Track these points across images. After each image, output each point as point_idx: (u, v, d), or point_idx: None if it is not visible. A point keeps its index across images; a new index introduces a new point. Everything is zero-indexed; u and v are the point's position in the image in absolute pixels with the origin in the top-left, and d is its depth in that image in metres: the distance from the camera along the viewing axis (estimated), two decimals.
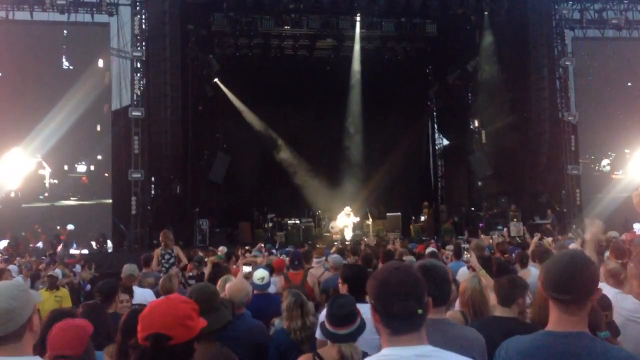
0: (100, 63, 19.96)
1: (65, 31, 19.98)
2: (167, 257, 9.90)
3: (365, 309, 4.42)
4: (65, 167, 19.74)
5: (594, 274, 2.31)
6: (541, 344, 2.30)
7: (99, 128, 19.95)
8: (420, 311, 2.00)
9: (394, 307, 1.99)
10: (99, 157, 19.98)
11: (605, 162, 22.00)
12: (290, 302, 4.59)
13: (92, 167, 19.98)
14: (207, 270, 8.00)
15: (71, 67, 20.14)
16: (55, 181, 19.39)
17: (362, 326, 3.54)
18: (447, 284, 3.05)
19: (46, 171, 19.27)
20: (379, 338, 4.28)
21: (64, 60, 20.20)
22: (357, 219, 21.65)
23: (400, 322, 2.01)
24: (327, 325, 3.48)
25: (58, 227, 19.00)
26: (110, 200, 19.32)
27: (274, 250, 14.37)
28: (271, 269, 7.92)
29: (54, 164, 19.37)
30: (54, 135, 18.42)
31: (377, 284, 2.09)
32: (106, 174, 20.06)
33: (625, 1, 22.04)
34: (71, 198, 19.43)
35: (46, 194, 19.33)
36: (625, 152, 21.76)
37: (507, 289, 3.89)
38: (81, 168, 19.84)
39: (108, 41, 19.72)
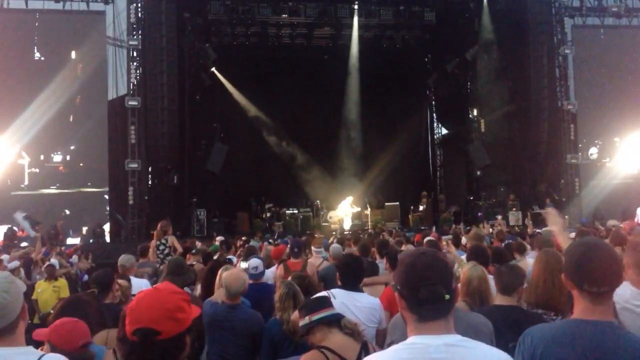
0: (73, 54, 19.88)
1: (37, 23, 19.84)
2: (161, 247, 9.87)
3: (359, 298, 4.41)
4: (42, 157, 19.90)
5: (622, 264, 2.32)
6: (570, 332, 2.28)
7: (71, 119, 19.99)
8: (447, 297, 1.93)
9: (420, 292, 1.92)
10: (72, 147, 20.11)
11: (592, 150, 22.03)
12: (282, 293, 4.55)
13: (68, 157, 20.13)
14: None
15: (42, 58, 20.08)
16: (37, 170, 19.60)
17: (340, 315, 3.50)
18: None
19: (25, 161, 19.38)
20: (375, 328, 4.28)
21: (35, 51, 20.12)
22: (358, 209, 21.67)
23: (427, 308, 1.93)
24: (307, 319, 3.43)
25: (66, 212, 19.21)
26: (89, 189, 19.48)
27: (271, 240, 14.32)
28: (268, 259, 7.89)
29: (30, 154, 19.52)
30: (31, 125, 18.53)
31: (403, 269, 2.01)
32: (81, 164, 20.44)
33: None
34: (51, 187, 19.64)
35: (26, 183, 19.47)
36: (614, 140, 21.75)
37: (509, 277, 3.85)
38: (57, 158, 20.14)
39: (84, 32, 19.58)
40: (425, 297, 1.91)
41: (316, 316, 3.41)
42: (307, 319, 3.42)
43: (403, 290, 1.98)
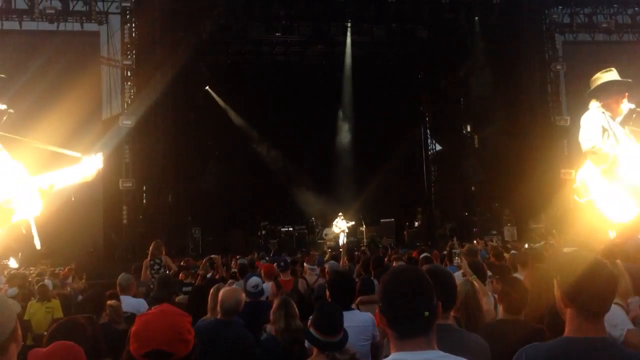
0: (67, 75, 19.97)
1: (30, 43, 19.86)
2: (156, 267, 9.83)
3: (350, 317, 4.40)
4: None
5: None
6: (563, 351, 2.27)
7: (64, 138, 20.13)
8: (427, 313, 1.95)
9: (400, 309, 1.95)
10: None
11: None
12: (276, 305, 4.59)
13: None
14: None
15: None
16: None
17: (347, 335, 3.54)
18: (453, 288, 3.05)
19: None
20: (368, 344, 4.27)
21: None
22: (352, 223, 21.71)
23: (407, 324, 1.95)
24: (315, 333, 3.44)
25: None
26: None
27: (267, 258, 14.24)
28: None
29: None
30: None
31: (384, 286, 2.05)
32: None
33: (615, 5, 22.13)
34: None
35: None
36: None
37: (515, 298, 3.87)
38: None
39: (78, 53, 19.60)
40: (404, 314, 1.94)
41: (324, 338, 3.45)
42: (317, 334, 3.43)
43: (383, 307, 2.01)
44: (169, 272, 9.75)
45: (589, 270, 2.30)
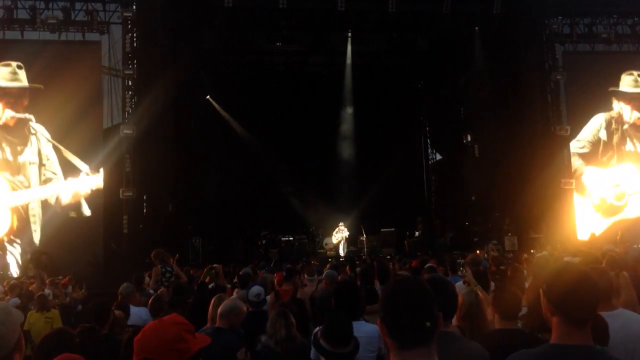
0: (68, 84, 20.08)
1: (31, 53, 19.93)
2: (167, 275, 9.85)
3: (356, 327, 4.37)
4: None
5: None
6: (549, 357, 2.28)
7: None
8: (428, 324, 1.95)
9: (402, 319, 1.95)
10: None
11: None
12: (273, 315, 4.57)
13: None
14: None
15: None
16: None
17: (358, 346, 3.48)
18: (454, 297, 3.04)
19: None
20: (374, 356, 4.24)
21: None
22: (347, 234, 21.77)
23: (408, 334, 1.96)
24: (325, 344, 3.42)
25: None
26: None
27: (267, 268, 14.23)
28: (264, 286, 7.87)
29: None
30: None
31: (386, 296, 2.07)
32: None
33: (615, 15, 22.23)
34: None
35: None
36: None
37: (509, 303, 3.84)
38: None
39: (79, 62, 19.64)
40: (406, 324, 1.95)
41: (333, 349, 3.42)
42: (326, 346, 3.42)
43: (385, 316, 2.02)
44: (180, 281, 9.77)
45: (573, 278, 2.34)
